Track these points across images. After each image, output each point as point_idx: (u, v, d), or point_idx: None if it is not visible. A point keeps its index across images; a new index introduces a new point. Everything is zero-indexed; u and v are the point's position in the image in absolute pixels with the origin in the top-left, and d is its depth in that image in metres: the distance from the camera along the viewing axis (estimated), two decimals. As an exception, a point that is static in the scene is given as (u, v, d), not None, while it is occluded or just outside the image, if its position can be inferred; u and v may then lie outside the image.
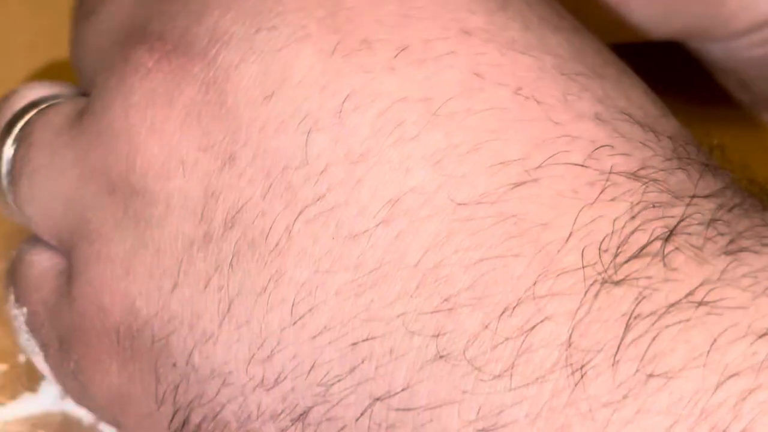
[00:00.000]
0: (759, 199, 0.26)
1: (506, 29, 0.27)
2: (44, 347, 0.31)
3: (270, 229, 0.26)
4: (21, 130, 0.31)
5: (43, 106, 0.31)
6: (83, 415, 0.36)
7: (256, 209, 0.26)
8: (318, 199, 0.26)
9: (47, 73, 0.41)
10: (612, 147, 0.26)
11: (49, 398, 0.37)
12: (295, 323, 0.26)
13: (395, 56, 0.26)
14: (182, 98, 0.27)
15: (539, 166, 0.25)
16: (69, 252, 0.30)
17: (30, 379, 0.37)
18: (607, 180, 0.25)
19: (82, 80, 0.32)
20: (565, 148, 0.25)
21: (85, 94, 0.31)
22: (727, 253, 0.24)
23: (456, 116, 0.26)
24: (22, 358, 0.37)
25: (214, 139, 0.27)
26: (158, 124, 0.27)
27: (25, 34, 0.41)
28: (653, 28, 0.35)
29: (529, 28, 0.27)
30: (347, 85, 0.26)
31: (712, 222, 0.25)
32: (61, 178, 0.29)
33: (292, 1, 0.27)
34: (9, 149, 0.31)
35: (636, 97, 0.27)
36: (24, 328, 0.32)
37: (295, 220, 0.26)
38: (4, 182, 0.31)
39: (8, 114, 0.32)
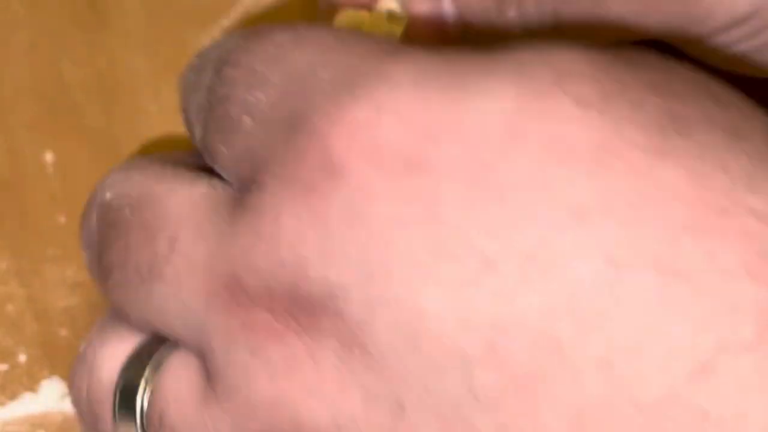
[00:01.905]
0: None
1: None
2: None
3: None
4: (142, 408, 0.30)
5: (145, 375, 0.30)
6: (83, 414, 0.36)
7: None
8: (500, 429, 0.25)
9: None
10: None
11: (49, 398, 0.37)
12: None
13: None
14: (327, 358, 0.27)
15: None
16: None
17: (30, 379, 0.37)
18: None
19: (164, 332, 0.30)
20: None
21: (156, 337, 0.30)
22: None
23: None
24: (22, 358, 0.37)
25: (375, 391, 0.26)
26: (315, 387, 0.27)
27: (25, 34, 0.41)
28: (631, 27, 0.35)
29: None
30: (487, 318, 0.25)
31: None
32: None
33: (393, 242, 0.26)
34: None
35: None
36: None
37: None
38: None
39: (102, 388, 0.31)
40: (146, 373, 0.30)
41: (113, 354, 0.31)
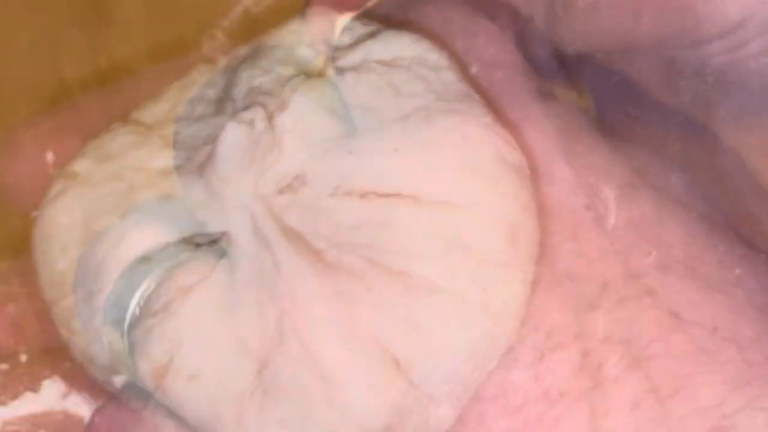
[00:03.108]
0: None
1: (702, 263, 0.27)
2: None
3: None
4: None
5: None
6: (84, 414, 0.36)
7: None
8: None
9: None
10: None
11: (50, 397, 0.37)
12: None
13: (599, 294, 0.26)
14: None
15: (736, 412, 0.25)
16: None
17: (31, 379, 0.37)
18: None
19: None
20: (759, 392, 0.25)
21: None
22: None
23: (655, 359, 0.26)
24: (23, 358, 0.37)
25: None
26: None
27: (25, 34, 0.41)
28: (623, 35, 0.35)
29: (722, 261, 0.27)
30: (547, 322, 0.26)
31: None
32: None
33: None
34: None
35: None
36: None
37: None
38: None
39: None
40: None
41: None
